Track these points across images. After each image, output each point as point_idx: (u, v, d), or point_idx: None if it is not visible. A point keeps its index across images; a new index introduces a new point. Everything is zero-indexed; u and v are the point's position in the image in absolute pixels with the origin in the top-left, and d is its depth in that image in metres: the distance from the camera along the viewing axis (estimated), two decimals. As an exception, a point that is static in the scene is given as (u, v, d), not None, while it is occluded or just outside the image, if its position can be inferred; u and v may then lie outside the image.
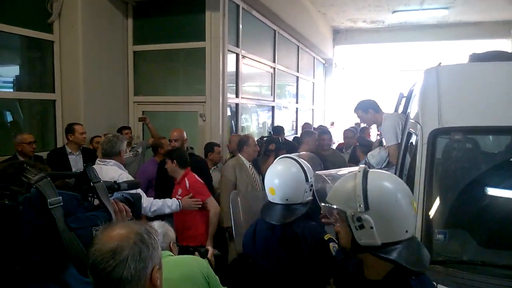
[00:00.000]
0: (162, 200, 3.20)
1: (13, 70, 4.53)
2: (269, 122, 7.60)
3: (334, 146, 6.55)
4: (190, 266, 1.94)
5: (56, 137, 4.64)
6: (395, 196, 1.23)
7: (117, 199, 1.28)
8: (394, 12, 8.79)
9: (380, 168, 3.11)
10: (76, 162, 4.06)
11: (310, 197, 2.01)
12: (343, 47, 11.35)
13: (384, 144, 3.35)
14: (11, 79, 4.44)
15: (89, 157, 3.95)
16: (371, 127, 6.08)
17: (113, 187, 1.28)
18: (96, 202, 1.18)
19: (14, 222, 0.99)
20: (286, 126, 7.58)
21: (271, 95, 7.40)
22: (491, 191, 2.13)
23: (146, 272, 0.99)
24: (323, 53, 10.51)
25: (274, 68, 7.29)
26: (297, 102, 9.09)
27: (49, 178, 1.05)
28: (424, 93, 2.50)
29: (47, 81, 4.59)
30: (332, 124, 10.86)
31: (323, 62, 11.29)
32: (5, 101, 4.37)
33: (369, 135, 6.76)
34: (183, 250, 2.25)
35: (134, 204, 1.33)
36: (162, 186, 3.82)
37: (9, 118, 4.50)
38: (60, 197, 1.04)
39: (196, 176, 3.53)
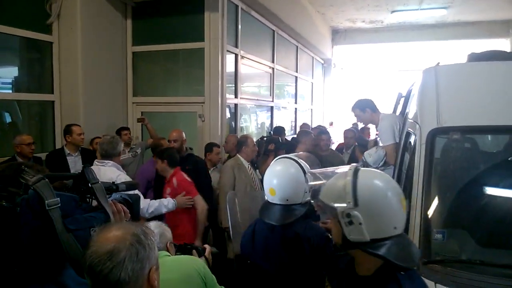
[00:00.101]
0: (158, 200, 3.24)
1: (12, 71, 4.53)
2: (268, 122, 7.60)
3: (333, 147, 6.56)
4: (187, 266, 1.94)
5: (55, 138, 4.63)
6: (384, 193, 1.27)
7: (115, 200, 1.27)
8: (393, 12, 8.80)
9: (377, 168, 3.12)
10: (75, 163, 4.05)
11: (309, 198, 2.01)
12: (342, 47, 11.37)
13: (380, 144, 3.36)
14: (10, 80, 4.43)
15: (89, 158, 3.94)
16: (370, 126, 6.09)
17: (111, 188, 1.27)
18: (95, 203, 1.18)
19: (11, 224, 0.98)
20: (285, 126, 7.59)
21: (270, 95, 7.40)
22: (490, 191, 2.13)
23: (143, 273, 0.99)
24: (322, 53, 10.52)
25: (273, 69, 7.29)
26: (296, 102, 9.09)
27: (47, 180, 1.04)
28: (423, 92, 2.51)
29: (46, 82, 4.59)
30: (331, 124, 10.86)
31: (322, 62, 11.30)
32: (4, 102, 4.37)
33: (369, 135, 6.76)
34: (181, 249, 2.25)
35: (133, 205, 1.33)
36: (161, 187, 3.81)
37: (8, 119, 4.50)
38: (58, 199, 1.03)
39: (184, 175, 3.54)
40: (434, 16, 8.98)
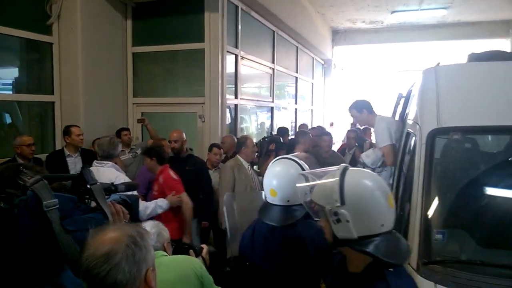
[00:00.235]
0: (153, 201, 3.28)
1: (12, 72, 4.53)
2: (268, 123, 7.60)
3: (335, 147, 6.55)
4: (184, 266, 1.93)
5: (55, 139, 4.63)
6: (370, 192, 1.30)
7: (114, 200, 1.27)
8: (393, 12, 8.80)
9: (375, 169, 3.12)
10: (74, 164, 4.04)
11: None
12: (342, 48, 11.36)
13: (376, 146, 3.38)
14: (10, 81, 4.44)
15: (89, 159, 3.93)
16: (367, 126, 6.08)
17: (110, 189, 1.27)
18: (93, 204, 1.18)
19: (9, 225, 0.98)
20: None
21: (270, 96, 7.40)
22: (490, 191, 2.13)
23: (140, 274, 0.98)
24: (322, 54, 10.51)
25: (273, 69, 7.29)
26: (296, 103, 9.09)
27: (45, 181, 1.04)
28: (423, 93, 2.50)
29: (46, 83, 4.59)
30: (331, 124, 10.85)
31: (322, 62, 11.29)
32: (4, 103, 4.37)
33: (370, 135, 6.74)
34: (178, 248, 2.25)
35: (132, 206, 1.33)
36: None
37: (8, 120, 4.50)
38: (56, 200, 1.03)
39: (171, 172, 3.56)
40: (435, 16, 8.97)
